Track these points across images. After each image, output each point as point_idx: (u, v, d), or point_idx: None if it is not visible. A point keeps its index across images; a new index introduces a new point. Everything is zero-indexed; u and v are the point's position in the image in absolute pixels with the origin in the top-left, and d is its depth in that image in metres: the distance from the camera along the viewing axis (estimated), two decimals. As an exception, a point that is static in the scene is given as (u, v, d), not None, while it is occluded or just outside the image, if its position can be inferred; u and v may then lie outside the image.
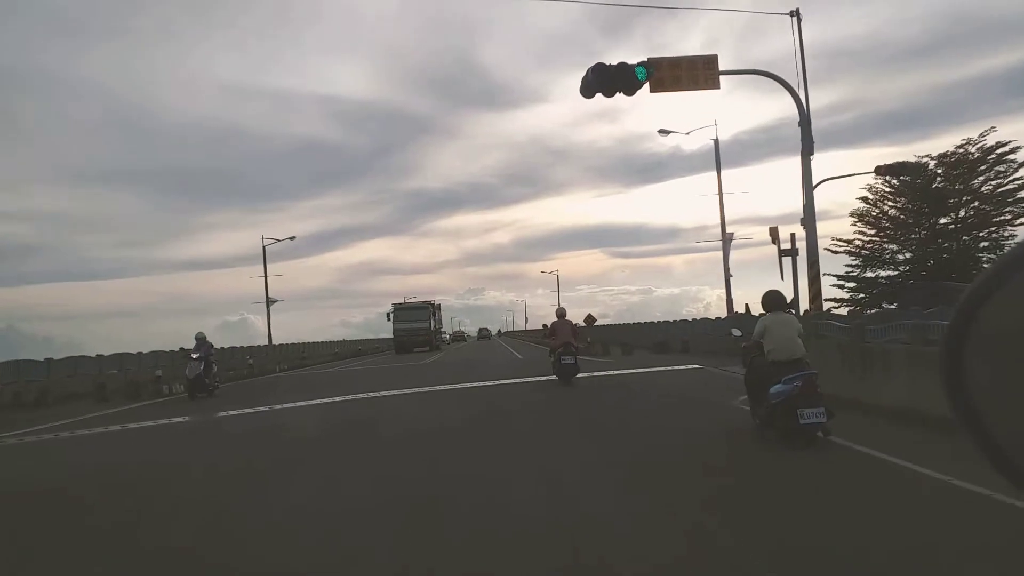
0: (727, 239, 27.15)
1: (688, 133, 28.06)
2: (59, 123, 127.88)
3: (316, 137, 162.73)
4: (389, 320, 46.45)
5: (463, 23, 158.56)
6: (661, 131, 28.30)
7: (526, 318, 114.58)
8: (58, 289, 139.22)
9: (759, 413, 7.93)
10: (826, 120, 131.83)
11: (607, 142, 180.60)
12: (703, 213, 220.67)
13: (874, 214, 46.56)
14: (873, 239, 47.11)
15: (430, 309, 47.61)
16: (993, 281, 0.87)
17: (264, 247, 53.11)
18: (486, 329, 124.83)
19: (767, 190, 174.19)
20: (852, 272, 47.46)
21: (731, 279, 27.07)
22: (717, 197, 27.54)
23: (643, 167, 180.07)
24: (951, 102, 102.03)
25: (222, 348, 39.95)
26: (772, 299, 8.24)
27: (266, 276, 53.39)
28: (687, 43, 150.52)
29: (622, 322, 62.93)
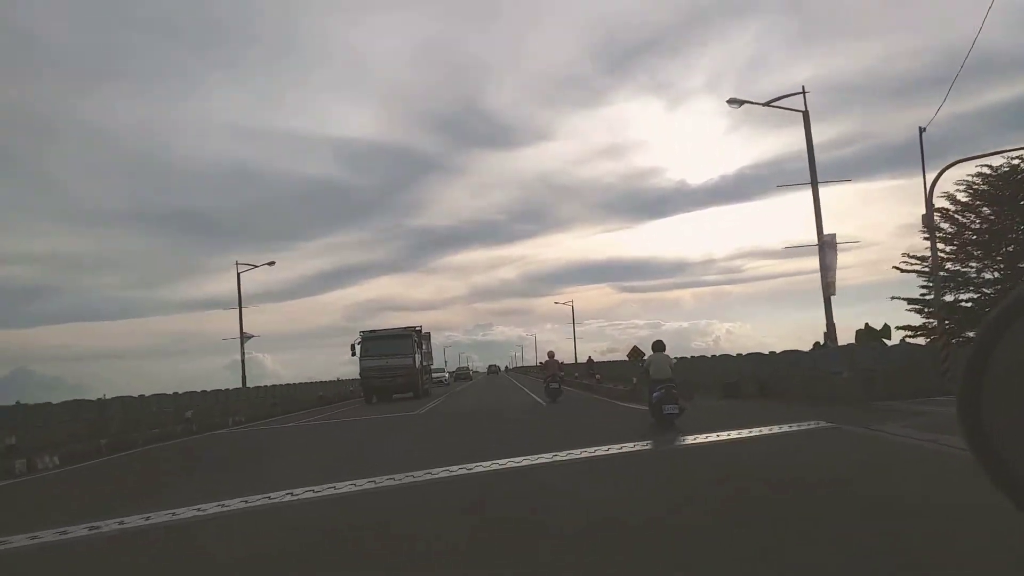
0: (827, 242, 20.08)
1: (767, 104, 21.26)
2: (69, 165, 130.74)
3: (325, 177, 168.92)
4: (354, 354, 33.47)
5: (469, 64, 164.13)
6: (731, 100, 21.55)
7: (536, 353, 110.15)
8: (67, 330, 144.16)
9: (651, 409, 14.70)
10: (831, 154, 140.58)
11: (612, 179, 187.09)
12: (710, 246, 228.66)
13: (951, 227, 39.74)
14: (950, 256, 40.27)
15: (412, 338, 34.35)
16: (1012, 312, 0.93)
17: (238, 273, 46.84)
18: (495, 365, 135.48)
19: (772, 223, 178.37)
20: (927, 295, 40.51)
21: (831, 296, 19.89)
22: (812, 194, 20.54)
23: (649, 203, 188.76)
24: (956, 134, 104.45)
25: (173, 394, 33.17)
26: (657, 344, 15.42)
27: (240, 308, 46.67)
28: (690, 82, 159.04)
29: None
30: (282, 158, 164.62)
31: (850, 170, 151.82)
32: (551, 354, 27.80)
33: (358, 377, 34.35)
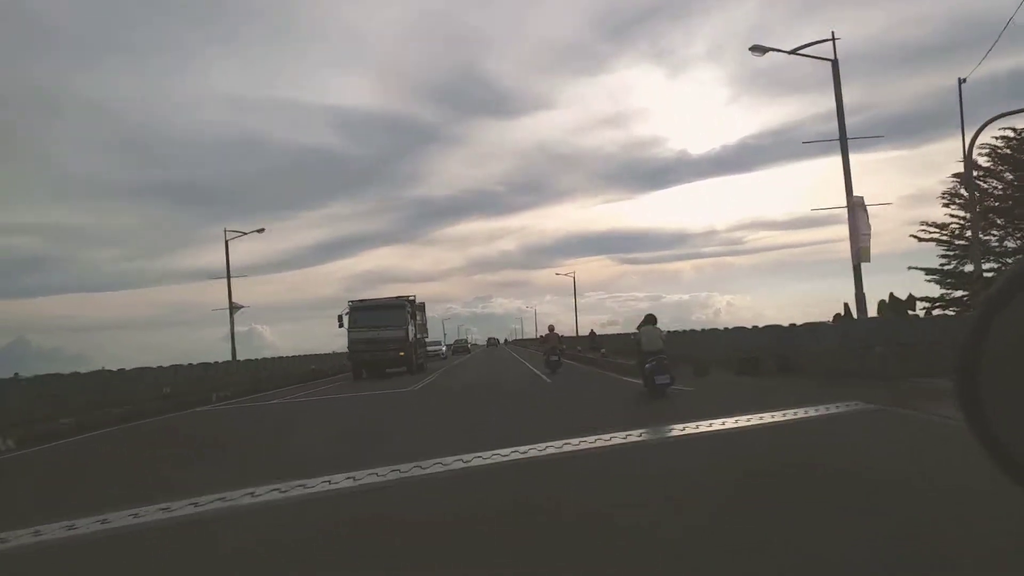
0: (856, 203, 18.41)
1: (793, 52, 19.43)
2: (68, 139, 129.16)
3: (323, 147, 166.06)
4: (341, 326, 30.92)
5: (468, 32, 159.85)
6: (755, 48, 19.69)
7: (536, 326, 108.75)
8: (66, 301, 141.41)
9: (644, 379, 15.73)
10: (834, 124, 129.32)
11: (613, 148, 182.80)
12: (711, 217, 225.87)
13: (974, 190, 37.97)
14: (970, 224, 38.59)
15: (406, 308, 31.86)
16: (1015, 284, 0.94)
17: (227, 240, 45.20)
18: (494, 338, 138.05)
19: (774, 194, 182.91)
20: (947, 265, 38.90)
21: (861, 263, 18.26)
22: (841, 151, 18.85)
23: (650, 173, 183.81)
24: (955, 105, 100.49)
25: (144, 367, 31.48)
26: (647, 318, 16.51)
27: (228, 277, 45.12)
28: (691, 49, 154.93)
29: (670, 328, 54.63)
30: (280, 129, 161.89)
31: (853, 141, 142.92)
32: (551, 328, 29.13)
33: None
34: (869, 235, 18.64)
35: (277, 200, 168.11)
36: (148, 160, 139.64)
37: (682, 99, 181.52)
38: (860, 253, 18.76)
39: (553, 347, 27.31)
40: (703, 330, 31.37)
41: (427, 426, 13.48)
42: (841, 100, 19.77)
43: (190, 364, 35.15)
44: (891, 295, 24.39)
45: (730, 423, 10.38)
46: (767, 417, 10.69)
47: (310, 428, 14.90)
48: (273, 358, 47.04)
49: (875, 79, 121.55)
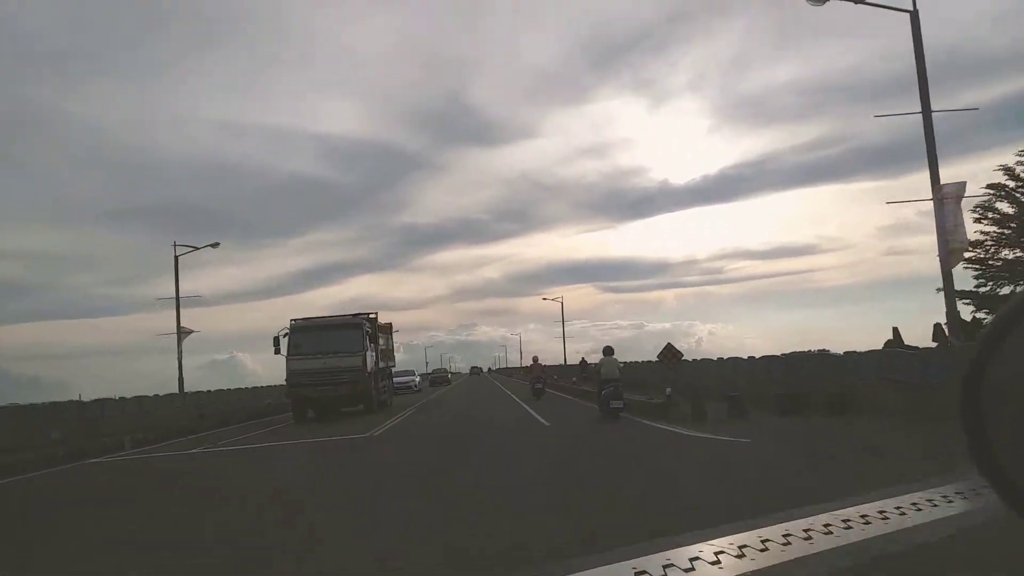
0: (950, 193, 14.11)
1: (859, 1, 15.28)
2: (49, 161, 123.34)
3: (308, 174, 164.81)
4: (278, 351, 24.20)
5: (454, 61, 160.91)
6: (815, -1, 15.56)
7: (520, 354, 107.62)
8: (46, 328, 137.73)
9: (600, 404, 17.98)
10: (813, 154, 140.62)
11: (596, 177, 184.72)
12: (692, 247, 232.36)
13: (1010, 206, 34.31)
14: (1007, 243, 34.88)
15: (364, 329, 25.21)
16: (1013, 316, 0.95)
17: (176, 256, 40.30)
18: (477, 367, 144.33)
19: (754, 224, 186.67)
20: (982, 288, 35.02)
21: (951, 270, 13.93)
22: (923, 120, 14.71)
23: (632, 202, 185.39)
24: (936, 135, 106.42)
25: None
26: (607, 350, 18.97)
27: (177, 298, 40.13)
28: (674, 79, 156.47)
29: (637, 360, 50.53)
30: (265, 155, 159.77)
31: (831, 171, 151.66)
32: (535, 359, 33.03)
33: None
34: (963, 231, 14.40)
35: (262, 226, 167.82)
36: (131, 184, 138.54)
37: (664, 129, 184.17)
38: (950, 256, 14.50)
39: (537, 376, 30.34)
40: (717, 359, 27.66)
41: (379, 512, 8.62)
42: (923, 57, 15.63)
43: (122, 398, 30.26)
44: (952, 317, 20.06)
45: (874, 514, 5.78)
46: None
47: (197, 504, 10.10)
48: (229, 390, 41.95)
49: (854, 109, 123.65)
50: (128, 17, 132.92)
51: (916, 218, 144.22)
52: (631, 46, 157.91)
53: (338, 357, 23.76)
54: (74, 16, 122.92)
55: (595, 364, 20.38)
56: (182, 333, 40.39)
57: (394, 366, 33.98)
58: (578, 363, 46.43)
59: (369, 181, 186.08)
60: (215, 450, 17.79)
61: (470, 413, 25.61)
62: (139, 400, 29.20)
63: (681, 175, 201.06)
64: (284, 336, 24.37)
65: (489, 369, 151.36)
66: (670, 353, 18.96)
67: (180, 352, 39.86)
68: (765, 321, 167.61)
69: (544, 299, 75.96)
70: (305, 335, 24.47)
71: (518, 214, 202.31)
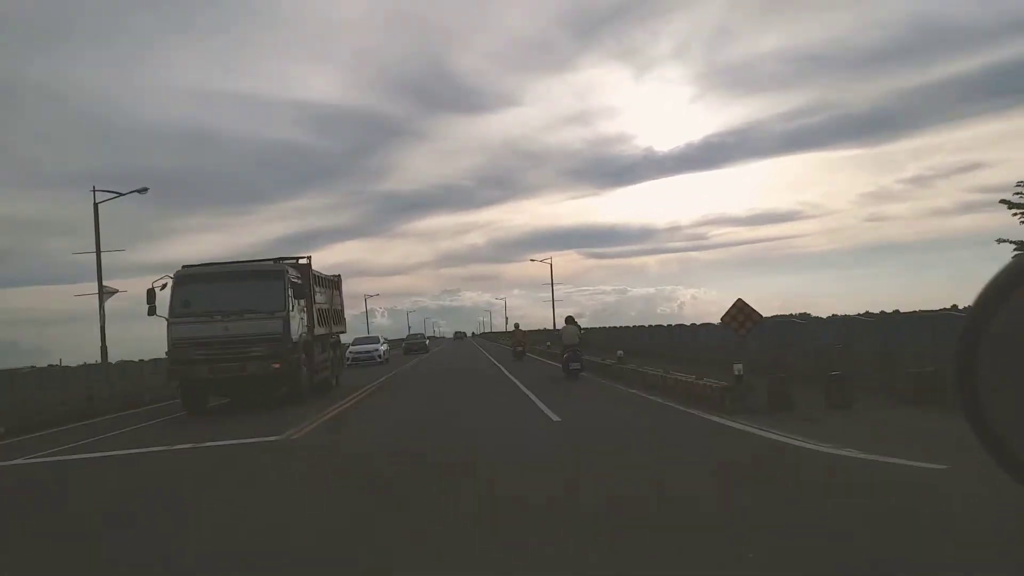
0: None
1: None
2: (24, 127, 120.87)
3: (288, 141, 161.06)
4: (152, 312, 16.70)
5: (435, 28, 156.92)
6: None
7: (505, 319, 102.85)
8: (23, 294, 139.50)
9: (563, 365, 20.46)
10: (796, 123, 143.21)
11: (580, 145, 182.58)
12: (676, 213, 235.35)
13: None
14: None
15: (285, 279, 17.18)
16: (1007, 283, 0.93)
17: (96, 203, 33.61)
18: (461, 332, 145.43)
19: (737, 190, 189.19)
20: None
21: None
22: None
23: (616, 170, 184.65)
24: (913, 107, 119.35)
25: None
26: (569, 319, 21.45)
27: (98, 251, 33.55)
28: (657, 48, 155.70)
29: (621, 324, 45.51)
30: (243, 122, 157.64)
31: (814, 139, 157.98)
32: (516, 325, 38.47)
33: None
34: None
35: (241, 193, 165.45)
36: (107, 150, 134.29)
37: (648, 97, 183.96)
38: None
39: (518, 340, 35.17)
40: (788, 313, 21.44)
41: None
42: None
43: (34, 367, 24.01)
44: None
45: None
46: None
47: None
48: (147, 360, 35.22)
49: (837, 78, 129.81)
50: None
51: (896, 186, 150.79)
52: (614, 15, 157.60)
53: (247, 320, 16.28)
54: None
55: (558, 331, 22.99)
56: (105, 293, 34.01)
57: (342, 331, 25.22)
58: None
59: (351, 148, 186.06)
60: (39, 461, 11.54)
61: (448, 392, 19.66)
62: (11, 374, 22.81)
63: (665, 143, 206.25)
64: (159, 287, 16.80)
65: (473, 334, 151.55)
66: (742, 314, 12.65)
67: (103, 315, 33.46)
68: (747, 286, 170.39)
69: (532, 260, 71.77)
70: (197, 288, 16.75)
71: (502, 181, 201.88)
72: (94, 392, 23.08)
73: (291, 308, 16.87)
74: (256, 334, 16.35)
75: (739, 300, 12.46)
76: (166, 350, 17.02)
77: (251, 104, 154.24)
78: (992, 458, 0.95)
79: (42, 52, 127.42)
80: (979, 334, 0.95)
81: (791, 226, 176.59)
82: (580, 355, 20.22)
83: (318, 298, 20.30)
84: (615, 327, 44.38)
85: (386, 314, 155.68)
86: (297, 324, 17.37)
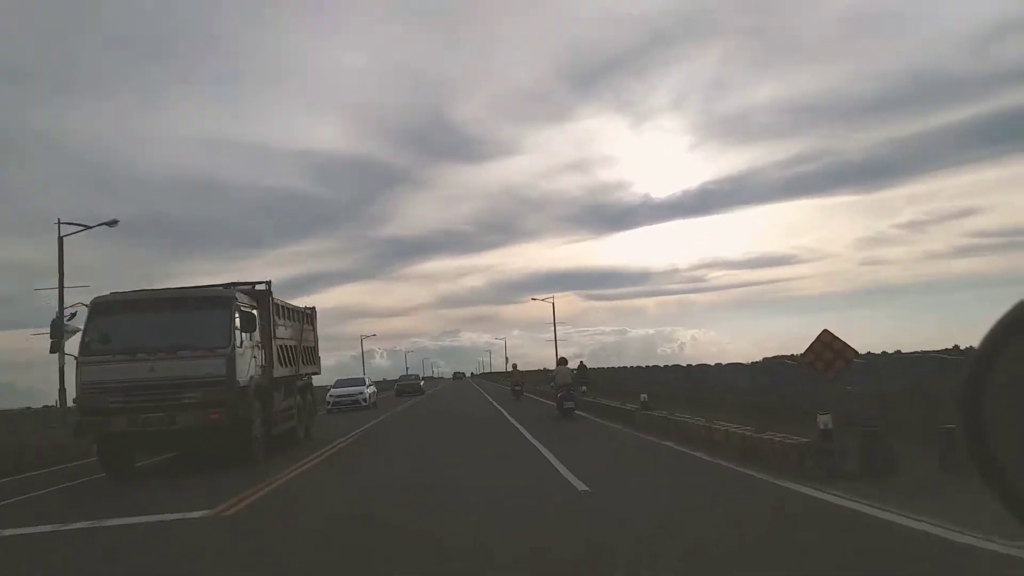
0: None
1: None
2: (28, 177, 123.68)
3: (291, 189, 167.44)
4: (57, 349, 15.29)
5: (437, 79, 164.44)
6: None
7: (506, 359, 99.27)
8: (21, 337, 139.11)
9: (557, 404, 21.59)
10: (793, 170, 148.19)
11: (578, 192, 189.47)
12: (673, 257, 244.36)
13: None
14: None
15: (232, 309, 13.35)
16: (1011, 327, 0.93)
17: (60, 237, 31.15)
18: (460, 372, 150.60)
19: (733, 235, 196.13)
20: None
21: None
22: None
23: (614, 216, 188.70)
24: (909, 154, 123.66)
25: None
26: (561, 361, 23.62)
27: (61, 286, 30.80)
28: (654, 99, 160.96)
29: (620, 365, 43.44)
30: (247, 171, 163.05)
31: (810, 186, 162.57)
32: (515, 366, 41.58)
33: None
34: None
35: (244, 238, 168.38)
36: (111, 198, 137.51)
37: (646, 146, 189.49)
38: None
39: (516, 380, 36.27)
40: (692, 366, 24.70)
41: None
42: None
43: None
44: None
45: None
46: None
47: None
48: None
49: (832, 128, 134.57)
50: (113, 35, 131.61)
51: (892, 231, 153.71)
52: (611, 67, 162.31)
53: (179, 359, 12.78)
54: (48, 32, 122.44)
55: (551, 372, 25.76)
56: (66, 332, 31.12)
57: (315, 373, 21.06)
58: (576, 367, 40.02)
59: (353, 195, 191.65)
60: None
61: (436, 444, 16.74)
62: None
63: (663, 190, 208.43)
64: (71, 319, 13.63)
65: (472, 374, 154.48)
66: (830, 350, 9.49)
67: (62, 356, 30.57)
68: (745, 328, 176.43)
69: (534, 299, 69.63)
70: (118, 319, 13.32)
71: (502, 226, 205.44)
72: (36, 439, 20.09)
73: (238, 343, 13.32)
74: (190, 376, 12.69)
75: (825, 332, 9.46)
76: (74, 396, 13.43)
77: (255, 154, 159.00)
78: (998, 500, 0.94)
79: (45, 103, 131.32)
80: (985, 374, 0.94)
81: (788, 269, 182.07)
82: (573, 394, 21.73)
83: (281, 332, 16.50)
84: (618, 367, 41.86)
85: (385, 355, 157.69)
86: (247, 363, 13.76)
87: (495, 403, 32.27)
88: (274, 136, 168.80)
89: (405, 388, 52.84)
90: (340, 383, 37.24)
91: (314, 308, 20.95)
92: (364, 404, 33.86)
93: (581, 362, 39.88)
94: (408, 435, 20.14)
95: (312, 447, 16.93)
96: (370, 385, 37.86)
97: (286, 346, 16.98)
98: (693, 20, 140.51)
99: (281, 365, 16.27)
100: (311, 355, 19.91)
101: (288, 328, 17.44)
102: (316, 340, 20.71)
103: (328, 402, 33.14)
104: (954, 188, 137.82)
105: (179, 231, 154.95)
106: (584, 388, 32.77)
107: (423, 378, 72.98)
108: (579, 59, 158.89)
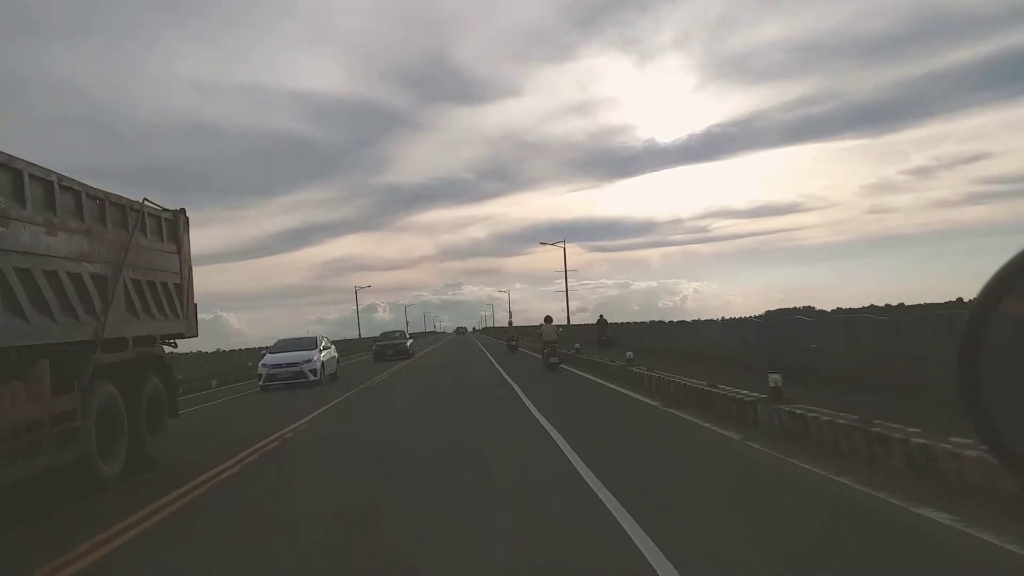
0: None
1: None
2: (24, 121, 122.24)
3: (289, 132, 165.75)
4: None
5: (436, 18, 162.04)
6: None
7: (509, 312, 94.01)
8: None
9: (543, 359, 24.11)
10: (798, 112, 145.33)
11: (581, 136, 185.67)
12: (677, 206, 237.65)
13: None
14: None
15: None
16: (1010, 278, 0.91)
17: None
18: (463, 327, 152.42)
19: (738, 183, 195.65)
20: None
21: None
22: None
23: (618, 161, 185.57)
24: (917, 96, 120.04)
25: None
26: (547, 319, 25.65)
27: None
28: (659, 37, 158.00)
29: (640, 319, 42.24)
30: (245, 113, 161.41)
31: (816, 130, 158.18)
32: (510, 323, 55.94)
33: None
34: None
35: (244, 185, 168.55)
36: (110, 144, 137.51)
37: (650, 87, 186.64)
38: None
39: (511, 335, 40.58)
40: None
41: None
42: None
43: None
44: None
45: None
46: None
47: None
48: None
49: (839, 68, 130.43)
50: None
51: (899, 177, 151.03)
52: (616, 4, 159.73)
53: None
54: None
55: (538, 327, 27.41)
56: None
57: (180, 335, 11.18)
58: (595, 322, 40.01)
59: (351, 139, 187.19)
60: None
61: (410, 463, 8.99)
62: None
63: (667, 133, 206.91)
64: None
65: (474, 329, 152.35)
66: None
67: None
68: (749, 279, 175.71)
69: (543, 243, 68.64)
70: None
71: (503, 173, 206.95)
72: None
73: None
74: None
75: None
76: None
77: (252, 96, 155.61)
78: (991, 454, 0.95)
79: (43, 46, 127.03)
80: (980, 330, 0.93)
81: (793, 218, 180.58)
82: (558, 350, 23.83)
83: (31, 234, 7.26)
84: (615, 322, 40.23)
85: (388, 308, 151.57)
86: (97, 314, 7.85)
87: (508, 378, 21.26)
88: (271, 76, 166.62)
89: (384, 351, 38.47)
90: (281, 345, 25.65)
91: (182, 211, 11.40)
92: (313, 378, 23.31)
93: (601, 316, 39.55)
94: (368, 428, 12.70)
95: (124, 499, 7.58)
96: (326, 348, 26.17)
97: (54, 272, 7.54)
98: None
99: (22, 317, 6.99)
100: (163, 299, 10.40)
101: (63, 230, 7.82)
102: (187, 276, 11.28)
103: (259, 374, 23.87)
104: (964, 131, 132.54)
105: (177, 177, 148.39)
106: (606, 338, 34.44)
107: (411, 335, 54.33)
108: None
